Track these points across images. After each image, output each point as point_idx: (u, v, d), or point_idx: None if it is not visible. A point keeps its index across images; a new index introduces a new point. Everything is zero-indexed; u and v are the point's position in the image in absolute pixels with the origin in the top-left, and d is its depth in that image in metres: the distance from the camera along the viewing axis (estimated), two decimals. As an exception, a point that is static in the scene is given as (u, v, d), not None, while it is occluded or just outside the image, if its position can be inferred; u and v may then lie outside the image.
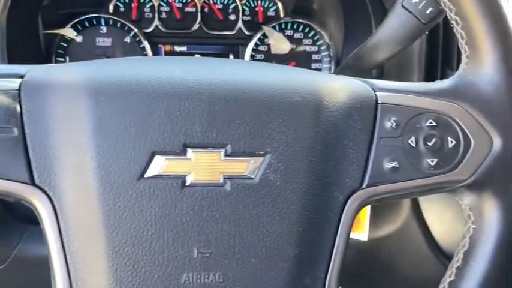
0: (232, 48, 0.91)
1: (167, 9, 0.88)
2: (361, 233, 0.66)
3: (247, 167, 0.39)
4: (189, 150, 0.39)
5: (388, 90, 0.44)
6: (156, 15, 0.87)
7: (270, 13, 0.91)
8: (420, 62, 0.76)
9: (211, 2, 0.88)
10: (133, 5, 0.86)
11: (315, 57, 0.93)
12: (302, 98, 0.41)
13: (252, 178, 0.39)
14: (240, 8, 0.89)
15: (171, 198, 0.38)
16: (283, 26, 0.91)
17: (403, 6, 0.61)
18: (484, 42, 0.43)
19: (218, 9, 0.89)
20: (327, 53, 0.93)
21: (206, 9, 0.89)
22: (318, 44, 0.93)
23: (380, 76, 0.82)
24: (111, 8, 0.85)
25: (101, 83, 0.39)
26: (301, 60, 0.92)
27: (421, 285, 0.53)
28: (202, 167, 0.39)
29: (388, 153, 0.43)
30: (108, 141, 0.38)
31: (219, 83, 0.40)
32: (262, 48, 0.91)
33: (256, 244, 0.39)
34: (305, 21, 0.91)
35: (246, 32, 0.90)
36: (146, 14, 0.87)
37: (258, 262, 0.39)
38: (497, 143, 0.43)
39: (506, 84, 0.43)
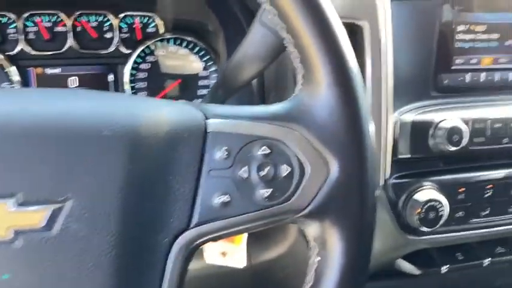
0: (111, 67, 0.85)
1: (35, 29, 0.81)
2: (238, 260, 0.62)
3: (43, 217, 0.34)
4: (-31, 202, 0.33)
5: (220, 117, 0.41)
6: (22, 36, 0.80)
7: (150, 29, 0.87)
8: (295, 77, 0.73)
9: (83, 20, 0.83)
10: (-7, 26, 0.79)
11: (202, 73, 0.89)
12: (113, 132, 0.37)
13: (49, 230, 0.34)
14: (116, 25, 0.84)
15: None
16: (164, 42, 0.86)
17: (260, 22, 0.58)
18: (317, 61, 0.40)
19: (92, 27, 0.83)
20: (214, 68, 0.89)
21: (79, 28, 0.83)
22: (204, 60, 0.89)
23: (261, 91, 0.79)
24: (-35, 30, 0.78)
25: None
26: (188, 77, 0.88)
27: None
28: (-15, 221, 0.33)
29: (218, 186, 0.39)
30: None
31: (8, 117, 0.35)
32: (144, 66, 0.86)
33: (60, 306, 0.34)
34: (188, 38, 0.87)
35: (124, 50, 0.85)
36: (10, 35, 0.80)
37: (61, 327, 0.34)
38: (334, 169, 0.40)
39: (340, 107, 0.40)
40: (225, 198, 0.39)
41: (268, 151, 0.40)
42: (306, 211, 0.40)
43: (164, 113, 0.40)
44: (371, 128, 0.41)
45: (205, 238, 0.39)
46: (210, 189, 0.39)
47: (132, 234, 0.36)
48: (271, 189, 0.39)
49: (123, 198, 0.36)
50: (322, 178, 0.40)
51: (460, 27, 0.79)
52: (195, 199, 0.38)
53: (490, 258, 0.85)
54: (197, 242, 0.39)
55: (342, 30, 0.41)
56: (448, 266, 0.83)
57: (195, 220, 0.38)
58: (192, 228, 0.38)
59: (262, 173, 0.39)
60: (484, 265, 0.86)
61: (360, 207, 0.40)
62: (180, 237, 0.38)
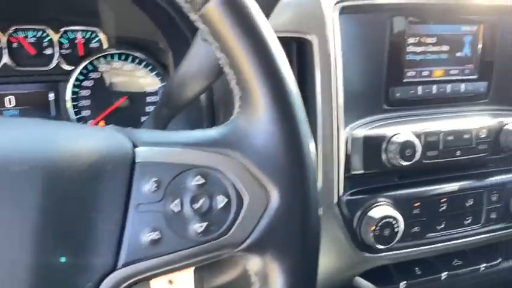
0: (52, 85, 0.81)
1: (-34, 46, 0.76)
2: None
3: None
4: None
5: (150, 144, 0.37)
6: (-49, 54, 0.75)
7: (93, 44, 0.82)
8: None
9: (20, 36, 0.78)
10: None
11: (150, 89, 0.86)
12: (24, 167, 0.33)
13: None
14: (56, 40, 0.79)
15: None
16: (108, 58, 0.82)
17: (202, 38, 0.55)
18: (254, 83, 0.38)
19: (29, 43, 0.78)
20: (163, 84, 0.85)
21: (15, 44, 0.78)
22: (152, 75, 0.85)
23: (210, 107, 0.76)
24: None
25: None
26: (135, 93, 0.84)
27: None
28: None
29: (147, 222, 0.36)
30: None
31: None
32: (87, 83, 0.82)
33: None
34: (134, 53, 0.83)
35: (65, 67, 0.80)
36: None
37: None
38: (274, 197, 0.37)
39: (279, 131, 0.37)
40: (155, 235, 0.35)
41: (202, 181, 0.37)
42: (245, 245, 0.37)
43: (87, 142, 0.36)
44: (311, 147, 0.39)
45: (134, 279, 0.36)
46: (138, 225, 0.35)
47: (49, 281, 0.32)
48: (206, 223, 0.36)
49: (37, 241, 0.32)
50: (261, 208, 0.37)
51: (411, 40, 0.78)
52: (122, 237, 0.35)
53: (447, 272, 0.84)
54: (125, 284, 0.35)
55: (279, 49, 0.38)
56: (406, 282, 0.82)
57: (122, 260, 0.35)
58: (119, 269, 0.35)
59: (196, 206, 0.36)
60: (442, 279, 0.85)
61: (302, 238, 0.38)
62: (106, 280, 0.34)
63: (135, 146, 0.37)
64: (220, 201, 0.37)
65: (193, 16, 0.38)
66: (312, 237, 0.38)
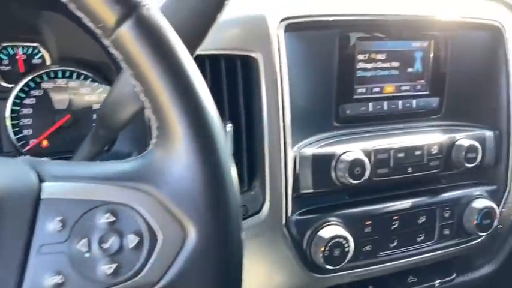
0: (-10, 104, 0.77)
1: None
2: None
3: None
4: None
5: (57, 179, 0.35)
6: None
7: (35, 61, 0.79)
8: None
9: (-45, 52, 0.74)
10: None
11: (95, 106, 0.82)
12: None
13: None
14: (-6, 57, 0.76)
15: None
16: (52, 75, 0.79)
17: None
18: (170, 111, 0.35)
19: (-35, 59, 0.75)
20: (110, 101, 0.82)
21: (-50, 61, 0.74)
22: (97, 92, 0.82)
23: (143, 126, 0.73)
24: None
25: None
26: (80, 111, 0.81)
27: None
28: None
29: (50, 265, 0.33)
30: None
31: None
32: (29, 101, 0.78)
33: None
34: (78, 70, 0.80)
35: (4, 84, 0.77)
36: None
37: None
38: (191, 234, 0.35)
39: (197, 162, 0.35)
40: (58, 278, 0.33)
41: (112, 219, 0.34)
42: (159, 286, 0.35)
43: None
44: (233, 178, 0.37)
45: None
46: (40, 269, 0.33)
47: None
48: (116, 264, 0.34)
49: None
50: (177, 246, 0.35)
51: (361, 56, 0.77)
52: (21, 283, 0.32)
53: (402, 290, 0.84)
54: None
55: (196, 74, 0.36)
56: (359, 301, 0.80)
57: None
58: None
59: (105, 246, 0.34)
60: (397, 296, 0.84)
61: (223, 276, 0.36)
62: None
63: (42, 180, 0.34)
64: (132, 240, 0.34)
65: (105, 41, 0.36)
66: (232, 274, 0.36)
